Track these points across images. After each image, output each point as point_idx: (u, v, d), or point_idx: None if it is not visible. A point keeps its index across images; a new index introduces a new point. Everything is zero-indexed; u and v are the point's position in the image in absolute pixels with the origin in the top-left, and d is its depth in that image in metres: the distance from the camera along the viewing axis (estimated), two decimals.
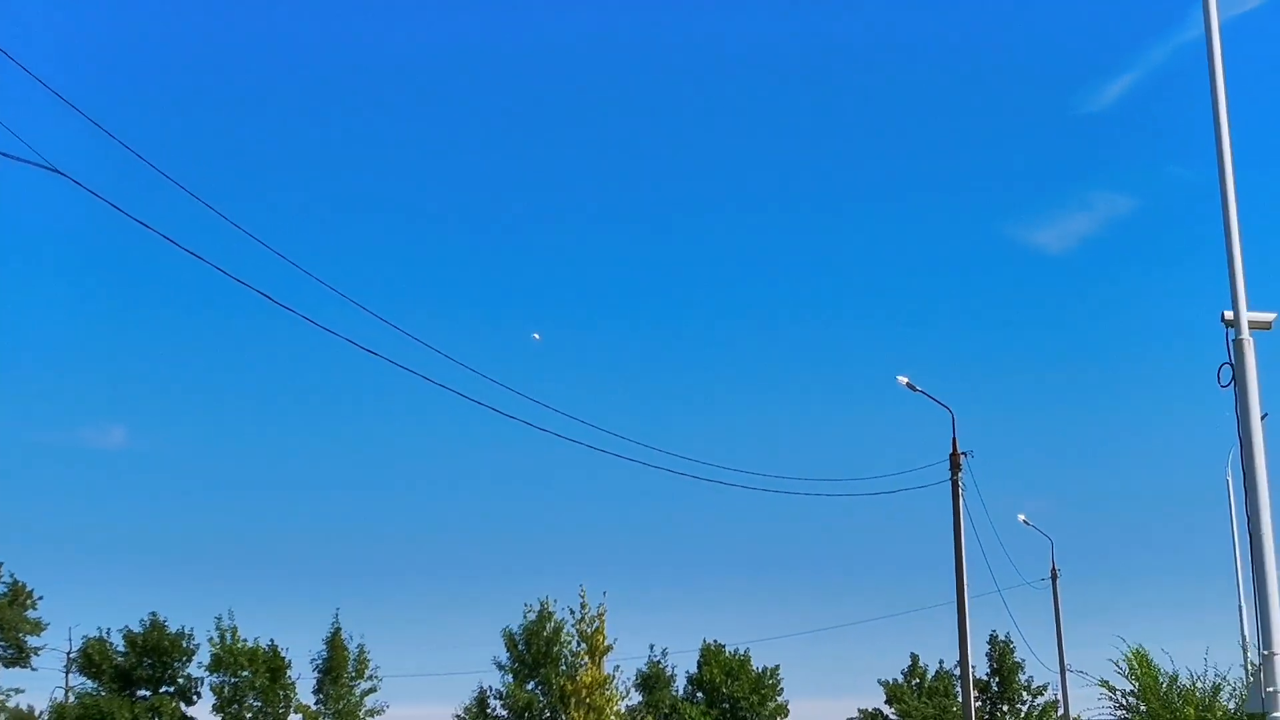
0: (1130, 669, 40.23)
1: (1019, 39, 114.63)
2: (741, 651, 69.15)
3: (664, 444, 37.67)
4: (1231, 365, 16.74)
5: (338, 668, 59.29)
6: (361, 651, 60.12)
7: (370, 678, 60.22)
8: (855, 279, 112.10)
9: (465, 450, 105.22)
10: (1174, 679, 39.94)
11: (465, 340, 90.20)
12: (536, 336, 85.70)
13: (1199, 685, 39.67)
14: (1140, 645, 41.28)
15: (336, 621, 60.02)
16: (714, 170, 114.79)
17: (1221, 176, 16.84)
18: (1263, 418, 16.60)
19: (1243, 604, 43.62)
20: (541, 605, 58.59)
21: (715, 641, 69.09)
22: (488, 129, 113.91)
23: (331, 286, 23.59)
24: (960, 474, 41.18)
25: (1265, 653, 15.79)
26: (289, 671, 58.81)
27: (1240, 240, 16.66)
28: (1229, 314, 16.80)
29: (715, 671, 67.56)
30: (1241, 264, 16.66)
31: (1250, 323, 16.71)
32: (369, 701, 60.11)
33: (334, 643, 59.62)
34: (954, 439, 41.67)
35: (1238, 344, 16.66)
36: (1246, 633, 43.07)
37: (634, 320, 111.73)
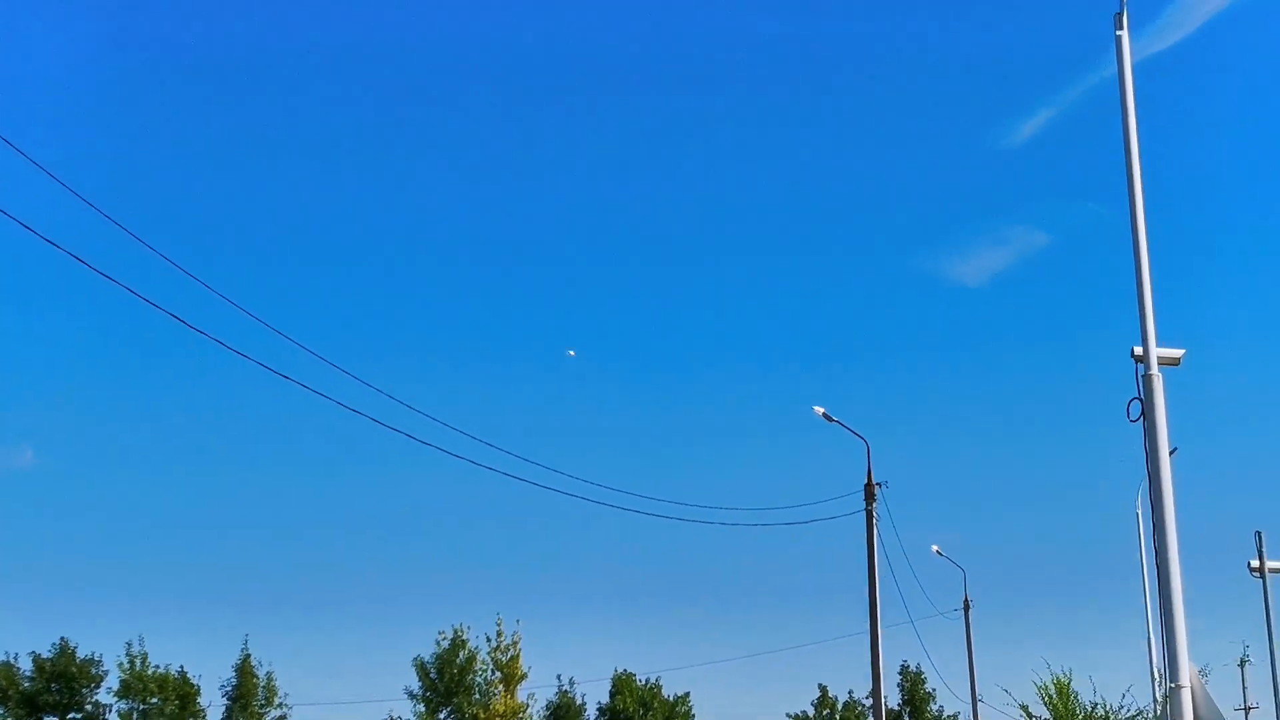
0: (1046, 698, 40.62)
1: (936, 75, 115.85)
2: (653, 681, 69.24)
3: (577, 471, 37.58)
4: (1141, 400, 16.88)
5: (247, 695, 58.80)
6: (270, 679, 59.67)
7: (280, 705, 59.79)
8: (772, 309, 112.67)
9: (378, 476, 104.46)
10: (1092, 710, 40.38)
11: (381, 367, 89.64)
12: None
13: (1113, 717, 40.14)
14: (1067, 671, 41.68)
15: (246, 648, 59.61)
16: (629, 203, 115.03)
17: (1133, 213, 17.00)
18: (1171, 453, 16.76)
19: (1151, 636, 44.09)
20: (455, 633, 58.34)
21: (627, 671, 69.13)
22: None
23: (245, 309, 23.37)
24: (875, 504, 41.33)
25: (1172, 685, 15.92)
26: (199, 699, 58.29)
27: (1150, 277, 16.84)
28: (1139, 350, 16.95)
29: (628, 701, 67.52)
30: (1151, 300, 16.82)
31: (1159, 359, 16.86)
32: None
33: (243, 669, 59.13)
34: (869, 469, 41.85)
35: (1147, 379, 16.80)
36: (1156, 665, 43.53)
37: (548, 349, 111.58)
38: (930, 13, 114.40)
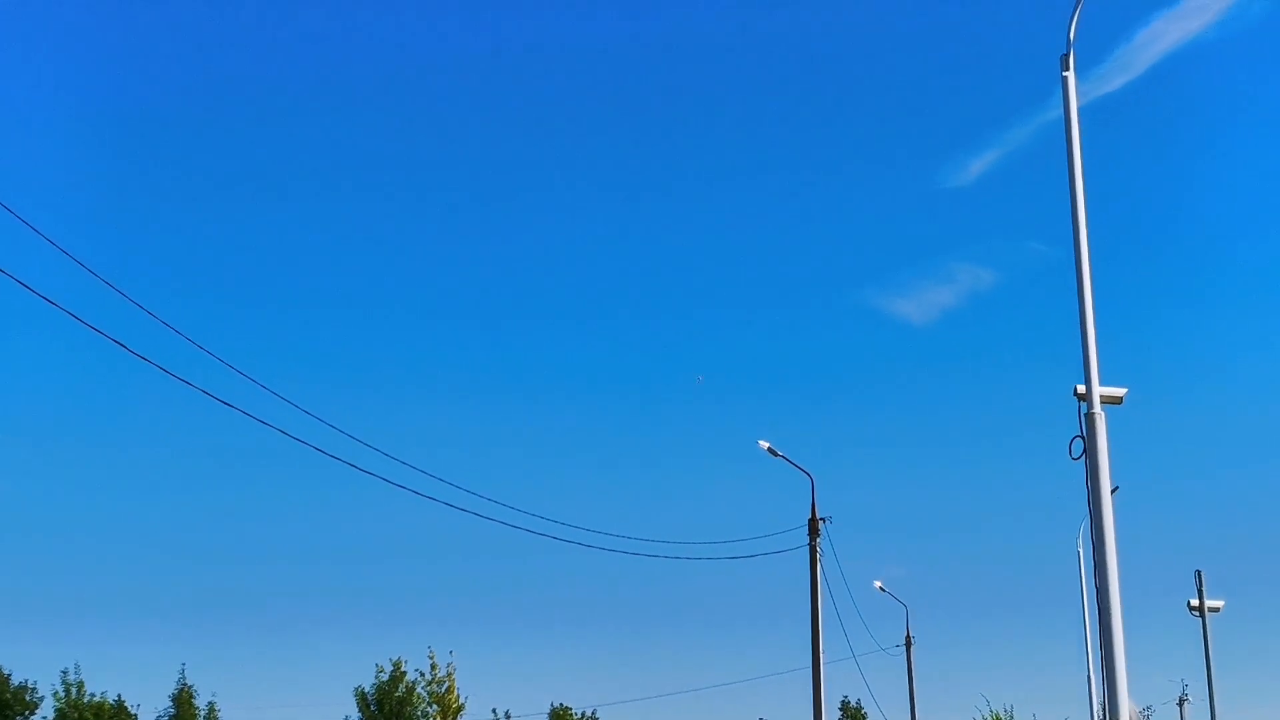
0: None
1: (885, 112, 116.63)
2: (590, 714, 69.08)
3: (518, 501, 37.35)
4: (1083, 438, 16.99)
5: None
6: (212, 709, 59.04)
7: None
8: (718, 344, 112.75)
9: (316, 504, 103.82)
10: None
11: (322, 394, 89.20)
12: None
13: None
14: (1008, 708, 41.85)
15: (183, 677, 58.96)
16: (571, 237, 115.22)
17: (1077, 253, 17.14)
18: (1113, 491, 16.85)
19: (1092, 674, 44.36)
20: (395, 665, 57.95)
21: (563, 705, 68.90)
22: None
23: (186, 336, 23.19)
24: (818, 539, 41.37)
25: None
26: None
27: (1094, 316, 16.97)
28: (1081, 388, 17.07)
29: None
30: (1094, 339, 16.94)
31: (1102, 397, 16.98)
32: None
33: (180, 699, 58.51)
34: (813, 504, 41.90)
35: (1089, 418, 16.91)
36: (1096, 704, 43.77)
37: (489, 377, 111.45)
38: (880, 52, 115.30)
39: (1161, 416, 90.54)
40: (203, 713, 58.80)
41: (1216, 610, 37.62)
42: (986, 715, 40.81)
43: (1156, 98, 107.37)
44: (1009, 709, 41.41)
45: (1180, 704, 68.87)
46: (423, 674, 56.17)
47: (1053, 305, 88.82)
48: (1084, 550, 44.07)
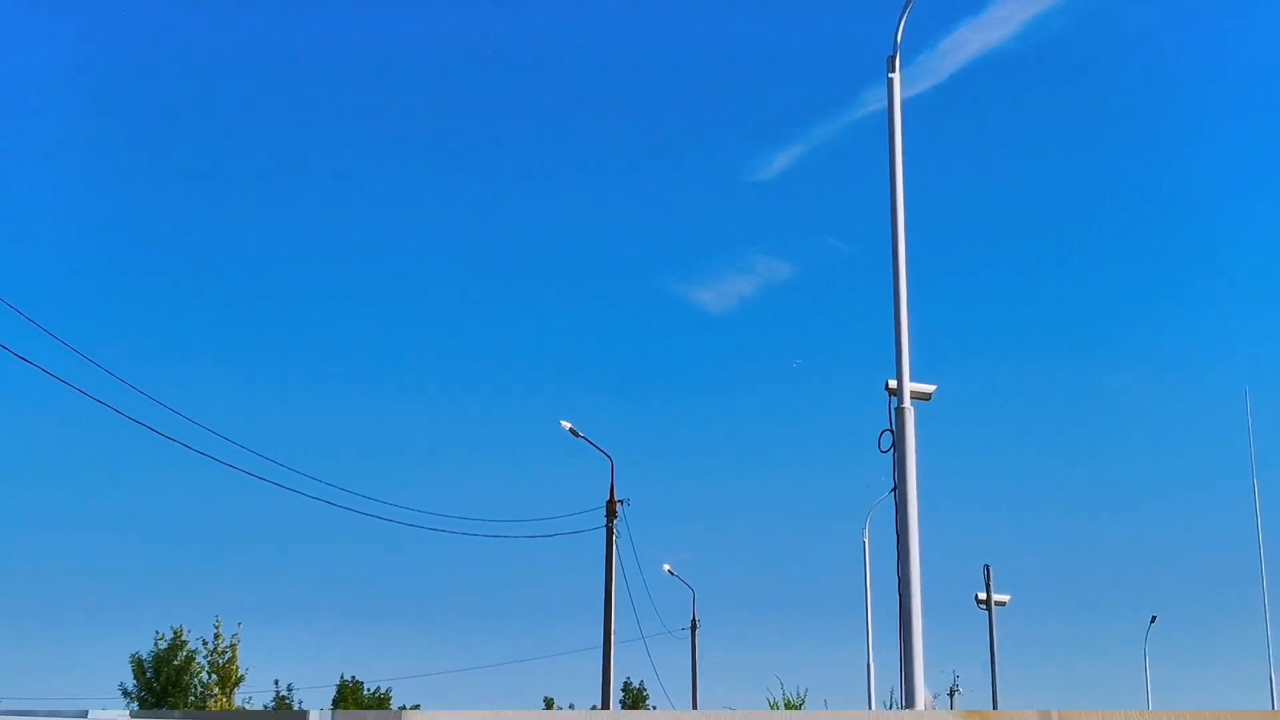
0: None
1: (690, 104, 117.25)
2: (383, 690, 68.75)
3: (314, 472, 36.90)
4: (892, 432, 17.39)
5: None
6: None
7: None
8: (520, 326, 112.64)
9: (98, 462, 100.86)
10: None
11: (116, 355, 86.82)
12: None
13: None
14: (801, 691, 42.53)
15: None
16: (376, 209, 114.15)
17: (894, 251, 17.50)
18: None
19: (871, 664, 45.33)
20: (175, 633, 57.00)
21: (355, 678, 68.48)
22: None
23: None
24: (616, 521, 41.64)
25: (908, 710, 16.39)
26: None
27: (908, 312, 17.36)
28: (893, 383, 17.46)
29: (349, 709, 66.81)
30: (908, 335, 17.34)
31: (912, 393, 17.40)
32: None
33: None
34: (612, 486, 42.16)
35: (899, 412, 17.30)
36: (874, 691, 44.81)
37: (294, 354, 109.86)
38: (686, 45, 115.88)
39: (956, 414, 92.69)
40: None
41: (1003, 604, 38.79)
42: (779, 700, 41.40)
43: (960, 103, 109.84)
44: (802, 692, 42.11)
45: (951, 694, 70.80)
46: (205, 643, 55.38)
47: (847, 300, 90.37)
48: (869, 541, 45.15)
